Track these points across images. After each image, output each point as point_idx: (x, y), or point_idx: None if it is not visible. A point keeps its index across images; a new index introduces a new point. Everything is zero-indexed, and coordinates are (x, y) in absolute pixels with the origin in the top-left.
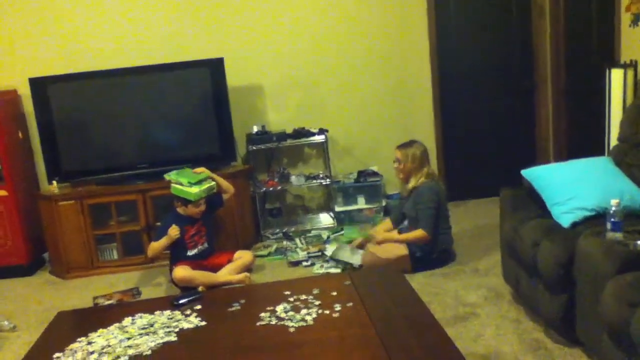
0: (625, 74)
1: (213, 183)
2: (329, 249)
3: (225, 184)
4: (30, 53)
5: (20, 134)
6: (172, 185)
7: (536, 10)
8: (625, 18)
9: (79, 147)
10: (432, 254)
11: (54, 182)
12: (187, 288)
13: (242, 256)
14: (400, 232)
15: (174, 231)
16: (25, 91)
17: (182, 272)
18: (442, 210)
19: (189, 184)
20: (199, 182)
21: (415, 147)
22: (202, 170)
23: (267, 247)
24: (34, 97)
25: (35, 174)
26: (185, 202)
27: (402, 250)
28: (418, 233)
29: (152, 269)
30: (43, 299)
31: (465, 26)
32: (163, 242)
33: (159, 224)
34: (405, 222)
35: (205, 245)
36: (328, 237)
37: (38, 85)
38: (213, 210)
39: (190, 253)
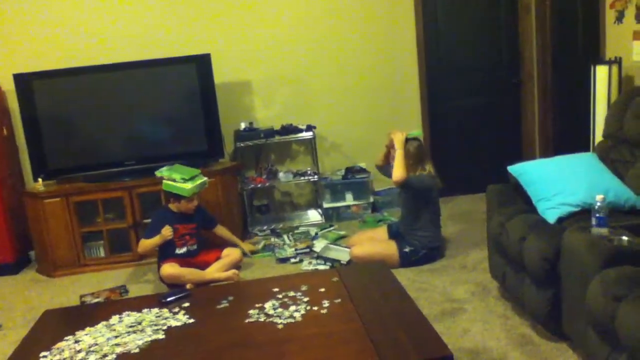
0: (610, 71)
1: (205, 179)
2: (318, 246)
3: (229, 239)
4: (14, 48)
5: (4, 131)
6: (165, 181)
7: (522, 7)
8: (610, 15)
9: (65, 143)
10: (421, 250)
11: (40, 179)
12: (175, 285)
13: (231, 253)
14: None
15: (167, 232)
16: (9, 87)
17: (170, 269)
18: (434, 207)
19: (182, 179)
20: (192, 178)
21: (409, 144)
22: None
23: (255, 244)
24: (19, 93)
25: (20, 171)
26: (178, 198)
27: (391, 246)
28: (403, 171)
29: (139, 267)
30: (29, 297)
31: (452, 23)
32: (155, 240)
33: (146, 221)
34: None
35: (195, 246)
36: (316, 233)
37: (23, 81)
38: (204, 227)
39: (178, 251)
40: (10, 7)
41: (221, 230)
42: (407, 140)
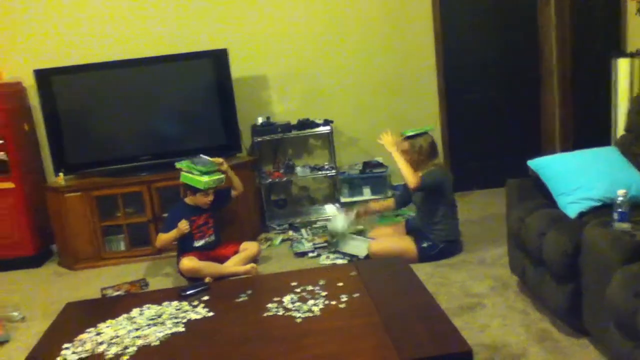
0: (631, 64)
1: (222, 176)
2: (333, 223)
3: (237, 181)
4: (34, 45)
5: (26, 126)
6: (182, 173)
7: (542, 0)
8: (631, 7)
9: (85, 138)
10: (439, 245)
11: (61, 174)
12: (195, 279)
13: (248, 247)
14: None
15: (184, 225)
16: (30, 83)
17: (189, 263)
18: (449, 200)
19: (199, 172)
20: (210, 172)
21: (423, 139)
22: (221, 162)
23: (268, 240)
24: (39, 89)
25: (41, 165)
26: (194, 190)
27: (408, 241)
28: (413, 175)
29: (159, 260)
30: (51, 290)
31: (471, 16)
32: (172, 234)
33: (165, 215)
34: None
35: (212, 237)
36: None
37: (43, 76)
38: (221, 206)
39: (197, 244)
40: (29, 4)
41: (234, 190)
42: (414, 136)
